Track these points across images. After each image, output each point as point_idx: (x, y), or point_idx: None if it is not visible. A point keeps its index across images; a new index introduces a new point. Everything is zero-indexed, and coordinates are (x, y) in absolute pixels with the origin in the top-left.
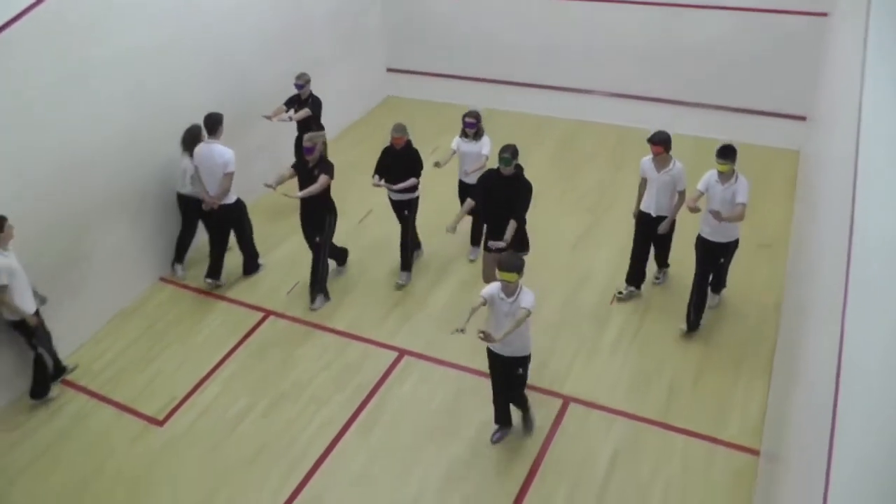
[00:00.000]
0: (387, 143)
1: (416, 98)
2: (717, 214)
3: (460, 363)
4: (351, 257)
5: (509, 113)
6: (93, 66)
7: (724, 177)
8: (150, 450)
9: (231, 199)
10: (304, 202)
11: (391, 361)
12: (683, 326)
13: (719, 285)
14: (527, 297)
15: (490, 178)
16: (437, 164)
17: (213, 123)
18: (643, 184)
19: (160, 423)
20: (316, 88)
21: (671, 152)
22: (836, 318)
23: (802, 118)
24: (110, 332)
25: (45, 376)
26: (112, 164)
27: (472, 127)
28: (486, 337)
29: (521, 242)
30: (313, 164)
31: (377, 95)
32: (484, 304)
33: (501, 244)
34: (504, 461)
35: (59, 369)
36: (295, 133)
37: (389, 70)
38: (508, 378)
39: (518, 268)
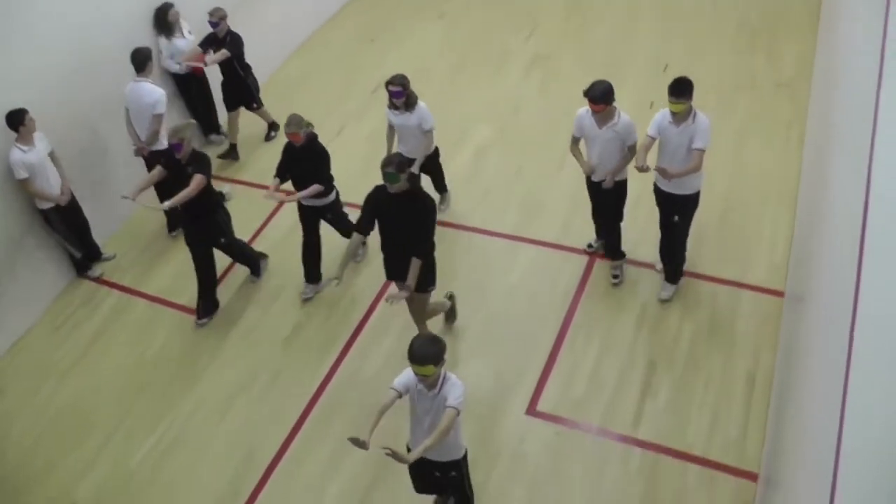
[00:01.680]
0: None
1: None
2: (663, 172)
3: None
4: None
5: None
6: None
7: (679, 117)
8: (188, 334)
9: (164, 144)
10: (184, 208)
11: None
12: (663, 295)
13: (675, 267)
14: (454, 391)
15: (378, 199)
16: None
17: (142, 59)
18: (576, 143)
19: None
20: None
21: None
22: (864, 154)
23: None
24: (133, 226)
25: (74, 261)
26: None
27: (399, 96)
28: (396, 456)
29: (423, 278)
30: (185, 162)
31: None
32: (399, 397)
33: (404, 293)
34: (531, 325)
35: (96, 255)
36: (220, 77)
37: None
38: (439, 483)
39: (435, 357)
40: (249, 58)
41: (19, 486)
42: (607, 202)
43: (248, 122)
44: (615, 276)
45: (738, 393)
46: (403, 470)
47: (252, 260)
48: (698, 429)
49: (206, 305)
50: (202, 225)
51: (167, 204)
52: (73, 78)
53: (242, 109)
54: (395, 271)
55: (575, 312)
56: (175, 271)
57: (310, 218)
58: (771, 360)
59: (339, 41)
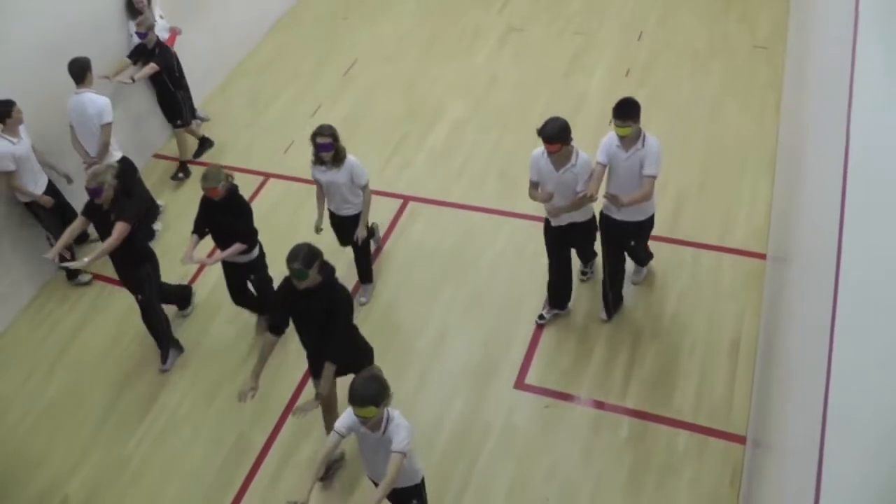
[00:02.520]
0: None
1: None
2: (614, 199)
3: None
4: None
5: None
6: None
7: (627, 141)
8: (173, 322)
9: (116, 156)
10: (112, 255)
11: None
12: (603, 316)
13: (641, 260)
14: (398, 433)
15: (287, 295)
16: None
17: (79, 69)
18: (535, 188)
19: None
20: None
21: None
22: (841, 115)
23: None
24: None
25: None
26: None
27: (328, 149)
28: None
29: (357, 355)
30: (107, 208)
31: None
32: (342, 439)
33: (314, 404)
34: (514, 298)
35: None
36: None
37: None
38: None
39: (376, 398)
40: (223, 41)
41: (15, 476)
42: (576, 243)
43: (226, 111)
44: (584, 273)
45: (723, 357)
46: None
47: (176, 298)
48: (685, 395)
49: (164, 352)
50: (126, 277)
51: (87, 260)
52: (40, 69)
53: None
54: (317, 370)
55: None
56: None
57: (234, 278)
58: (755, 324)
59: (311, 19)
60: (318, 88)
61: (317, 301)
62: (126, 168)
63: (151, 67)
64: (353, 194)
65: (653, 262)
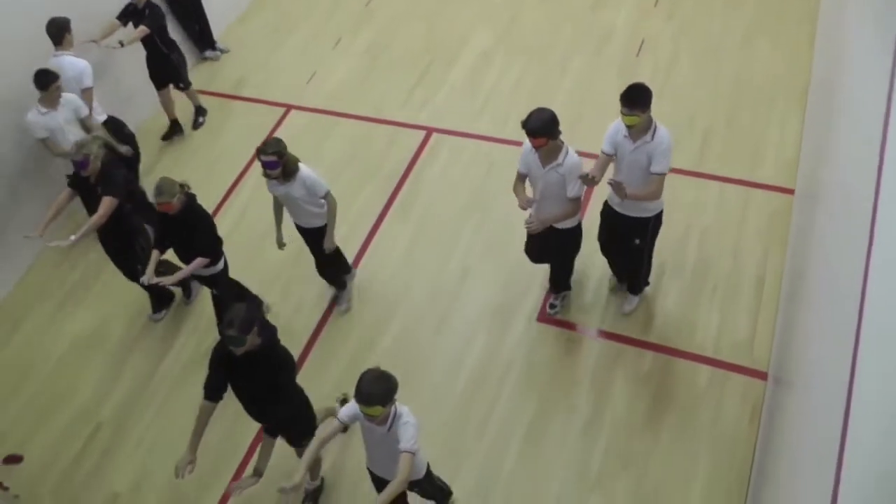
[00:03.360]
0: None
1: None
2: (618, 187)
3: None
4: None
5: None
6: None
7: (635, 132)
8: None
9: (99, 119)
10: (99, 232)
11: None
12: (626, 309)
13: (637, 281)
14: (405, 431)
15: (222, 359)
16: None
17: (57, 30)
18: (521, 180)
19: None
20: None
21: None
22: (887, 42)
23: None
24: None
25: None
26: None
27: (274, 167)
28: None
29: (297, 421)
30: (94, 181)
31: None
32: (344, 430)
33: (251, 481)
34: None
35: None
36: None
37: None
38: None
39: (384, 398)
40: None
41: (48, 409)
42: (554, 246)
43: (246, 43)
44: (552, 306)
45: (747, 294)
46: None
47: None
48: (707, 330)
49: (156, 301)
50: (117, 259)
51: (73, 238)
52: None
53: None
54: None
55: (581, 218)
56: None
57: (203, 283)
58: (780, 259)
59: None
60: (340, 19)
61: (256, 365)
62: (115, 127)
63: (142, 31)
64: (315, 205)
65: (679, 195)
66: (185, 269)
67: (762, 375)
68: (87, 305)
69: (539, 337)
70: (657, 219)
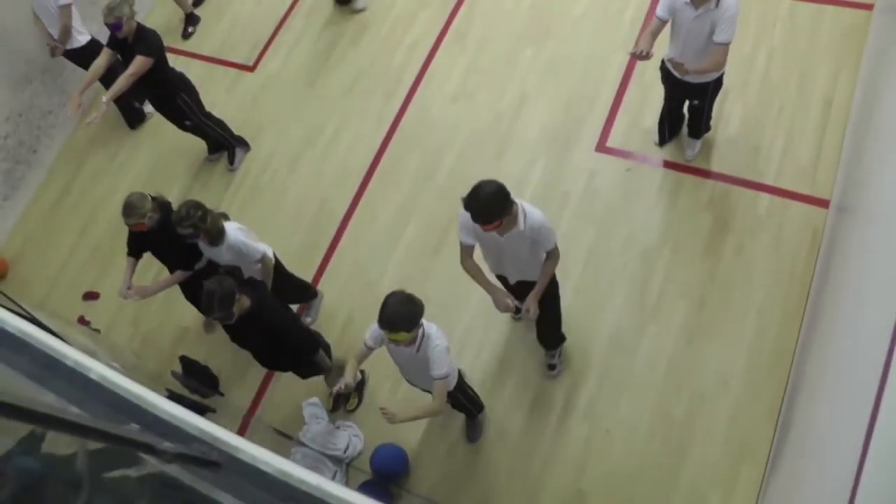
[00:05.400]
0: None
1: None
2: (679, 67)
3: None
4: None
5: None
6: None
7: None
8: (248, 94)
9: (81, 40)
10: (147, 92)
11: None
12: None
13: (699, 128)
14: (436, 356)
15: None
16: None
17: None
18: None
19: (251, 69)
20: None
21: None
22: None
23: None
24: None
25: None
26: None
27: (194, 238)
28: (391, 418)
29: (306, 357)
30: (132, 41)
31: None
32: (371, 351)
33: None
34: (598, 57)
35: None
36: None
37: None
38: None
39: (408, 323)
40: None
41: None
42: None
43: None
44: (551, 367)
45: (813, 119)
46: None
47: (228, 144)
48: (770, 157)
49: (230, 153)
50: (164, 110)
51: (105, 98)
52: None
53: None
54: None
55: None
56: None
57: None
58: (851, 81)
59: None
60: None
61: (254, 323)
62: (96, 49)
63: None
64: (251, 270)
65: (744, 11)
66: (164, 283)
67: (824, 203)
68: (145, 145)
69: (598, 165)
70: (717, 81)
